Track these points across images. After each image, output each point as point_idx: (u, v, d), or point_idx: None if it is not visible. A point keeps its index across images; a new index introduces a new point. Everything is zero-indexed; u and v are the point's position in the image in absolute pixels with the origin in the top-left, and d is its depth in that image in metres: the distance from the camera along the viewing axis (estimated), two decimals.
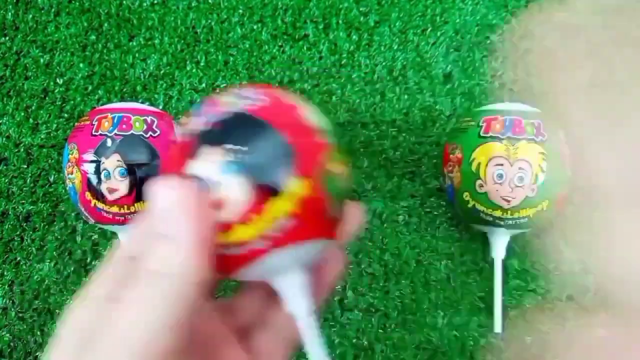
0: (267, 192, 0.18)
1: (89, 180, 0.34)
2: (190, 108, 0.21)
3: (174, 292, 0.16)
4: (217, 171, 0.18)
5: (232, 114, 0.19)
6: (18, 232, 0.41)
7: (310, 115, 0.20)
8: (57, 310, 0.39)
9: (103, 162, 0.34)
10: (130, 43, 0.45)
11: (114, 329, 0.16)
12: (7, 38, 0.45)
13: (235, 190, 0.18)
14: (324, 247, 0.20)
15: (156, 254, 0.17)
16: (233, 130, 0.18)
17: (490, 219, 0.35)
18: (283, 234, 0.18)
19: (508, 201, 0.34)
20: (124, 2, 0.46)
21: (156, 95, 0.44)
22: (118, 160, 0.34)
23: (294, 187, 0.18)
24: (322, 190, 0.19)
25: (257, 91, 0.20)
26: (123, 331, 0.16)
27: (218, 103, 0.19)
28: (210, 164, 0.18)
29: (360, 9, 0.47)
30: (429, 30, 0.46)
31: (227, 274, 0.20)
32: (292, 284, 0.20)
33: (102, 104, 0.38)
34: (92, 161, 0.34)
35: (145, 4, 0.46)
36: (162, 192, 0.17)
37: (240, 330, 0.23)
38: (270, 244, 0.18)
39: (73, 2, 0.46)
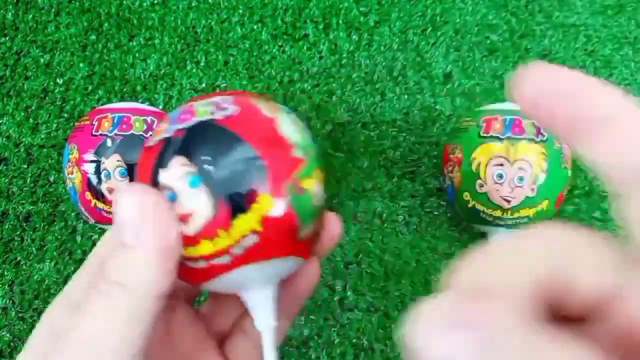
0: (233, 207, 0.17)
1: (89, 180, 0.34)
2: (168, 113, 0.20)
3: (131, 305, 0.16)
4: (185, 183, 0.17)
5: (204, 124, 0.18)
6: (18, 232, 0.41)
7: (287, 128, 0.19)
8: None
9: (103, 162, 0.34)
10: (130, 43, 0.45)
11: (75, 337, 0.16)
12: (7, 38, 0.45)
13: (201, 204, 0.17)
14: (293, 265, 0.19)
15: (116, 264, 0.16)
16: (203, 141, 0.18)
17: (490, 219, 0.35)
18: (248, 251, 0.18)
19: (508, 201, 0.34)
20: (124, 2, 0.46)
21: (156, 95, 0.44)
22: (118, 160, 0.34)
23: (262, 204, 0.17)
24: (292, 208, 0.18)
25: (233, 100, 0.19)
26: (82, 340, 0.16)
27: (192, 111, 0.18)
28: (178, 174, 0.17)
29: (360, 9, 0.47)
30: (429, 30, 0.46)
31: (193, 284, 0.19)
32: (257, 299, 0.19)
33: (102, 104, 0.38)
34: (92, 161, 0.34)
35: (145, 4, 0.46)
36: (126, 200, 0.17)
37: (218, 337, 0.23)
38: (235, 260, 0.18)
39: (73, 2, 0.46)
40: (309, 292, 0.23)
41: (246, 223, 0.17)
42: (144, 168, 0.18)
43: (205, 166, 0.17)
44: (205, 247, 0.17)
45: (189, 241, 0.17)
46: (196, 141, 0.18)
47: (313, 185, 0.19)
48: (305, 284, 0.22)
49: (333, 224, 0.21)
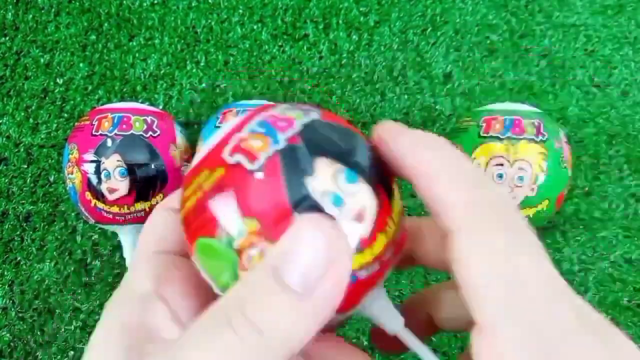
0: (388, 192, 0.16)
1: (89, 180, 0.34)
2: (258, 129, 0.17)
3: (259, 355, 0.13)
4: (342, 181, 0.15)
5: (312, 124, 0.16)
6: (18, 232, 0.41)
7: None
8: (57, 310, 0.39)
9: (103, 162, 0.34)
10: (130, 43, 0.45)
11: None
12: (7, 38, 0.45)
13: (368, 196, 0.15)
14: None
15: (261, 303, 0.13)
16: (332, 138, 0.16)
17: None
18: (398, 241, 0.16)
19: None
20: (124, 2, 0.46)
21: (156, 95, 0.44)
22: (118, 160, 0.34)
23: (396, 188, 0.16)
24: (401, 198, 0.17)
25: (300, 105, 0.18)
26: None
27: (287, 118, 0.16)
28: (330, 174, 0.15)
29: (360, 9, 0.47)
30: (429, 30, 0.46)
31: (343, 311, 0.16)
32: (381, 301, 0.17)
33: (102, 104, 0.38)
34: (92, 161, 0.34)
35: (145, 4, 0.46)
36: (311, 237, 0.14)
37: None
38: (395, 254, 0.16)
39: (73, 2, 0.46)
40: None
41: (397, 206, 0.16)
42: (271, 191, 0.15)
43: (352, 158, 0.16)
44: (381, 243, 0.15)
45: (363, 245, 0.15)
46: (324, 139, 0.16)
47: None
48: None
49: None
